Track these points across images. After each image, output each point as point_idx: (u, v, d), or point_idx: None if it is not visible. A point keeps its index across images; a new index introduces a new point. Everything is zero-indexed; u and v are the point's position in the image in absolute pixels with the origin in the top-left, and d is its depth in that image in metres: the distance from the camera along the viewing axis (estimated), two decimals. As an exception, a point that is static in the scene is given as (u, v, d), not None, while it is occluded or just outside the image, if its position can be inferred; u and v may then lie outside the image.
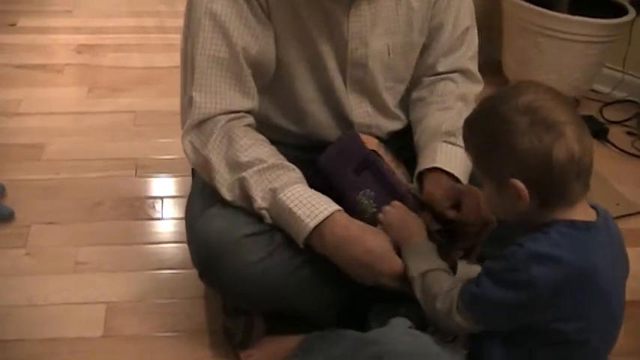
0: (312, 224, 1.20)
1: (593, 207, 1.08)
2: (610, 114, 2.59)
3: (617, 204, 2.03)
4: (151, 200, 1.92)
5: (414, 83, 1.51)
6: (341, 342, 1.22)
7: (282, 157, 1.30)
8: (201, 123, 1.30)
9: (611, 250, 1.06)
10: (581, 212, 1.04)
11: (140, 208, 1.88)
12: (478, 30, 1.53)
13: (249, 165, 1.26)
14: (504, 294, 1.01)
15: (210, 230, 1.26)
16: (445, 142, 1.36)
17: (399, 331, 1.16)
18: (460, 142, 1.23)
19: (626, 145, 2.40)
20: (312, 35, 1.33)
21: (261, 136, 1.32)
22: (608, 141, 2.41)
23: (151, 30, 3.05)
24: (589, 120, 2.48)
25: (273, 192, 1.24)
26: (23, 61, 2.77)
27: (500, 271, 1.02)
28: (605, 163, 2.25)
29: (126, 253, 1.70)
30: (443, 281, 1.12)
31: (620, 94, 2.71)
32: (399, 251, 1.20)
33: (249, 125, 1.32)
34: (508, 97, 1.02)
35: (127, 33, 3.09)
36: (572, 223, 1.02)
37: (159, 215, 1.86)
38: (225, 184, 1.28)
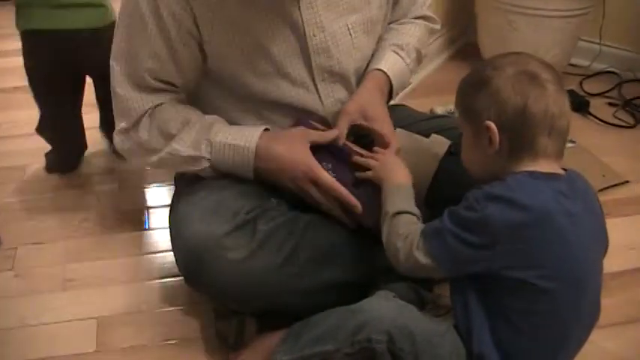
0: (252, 145, 1.32)
1: (564, 169, 1.12)
2: (590, 87, 2.58)
3: (603, 175, 2.03)
4: (136, 211, 1.91)
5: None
6: (325, 319, 1.23)
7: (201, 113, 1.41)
8: (128, 129, 1.41)
9: (572, 201, 1.08)
10: (546, 168, 1.09)
11: (126, 221, 1.87)
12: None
13: (179, 130, 1.36)
14: (461, 234, 1.06)
15: (190, 234, 1.27)
16: (393, 51, 1.49)
17: (382, 299, 1.19)
18: (405, 56, 1.48)
19: (608, 117, 2.39)
20: (264, 42, 1.33)
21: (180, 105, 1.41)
22: (590, 113, 2.40)
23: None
24: (570, 94, 2.45)
25: (208, 141, 1.34)
26: (0, 85, 2.75)
27: (459, 210, 1.08)
28: (588, 135, 2.25)
29: (114, 267, 1.70)
30: (412, 224, 1.17)
31: (599, 66, 2.71)
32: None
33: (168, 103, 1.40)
34: (504, 55, 1.15)
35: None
36: (531, 173, 1.08)
37: (145, 226, 1.86)
38: (156, 156, 1.39)
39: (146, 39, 1.32)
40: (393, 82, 1.48)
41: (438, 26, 1.65)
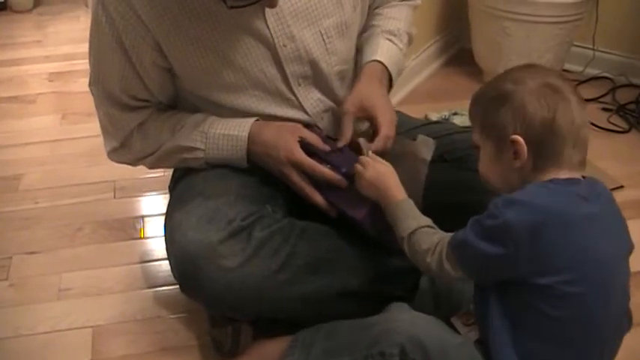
0: (245, 134, 1.35)
1: (584, 177, 1.11)
2: (584, 92, 2.57)
3: (598, 180, 2.03)
4: (131, 220, 1.91)
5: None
6: (338, 331, 1.22)
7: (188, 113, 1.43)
8: (119, 148, 1.46)
9: (592, 203, 1.07)
10: (567, 175, 1.08)
11: (121, 230, 1.87)
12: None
13: (172, 133, 1.40)
14: (485, 245, 1.04)
15: (185, 242, 1.26)
16: (386, 38, 1.48)
17: (396, 311, 1.18)
18: (398, 42, 1.47)
19: (602, 122, 2.41)
20: (234, 59, 1.32)
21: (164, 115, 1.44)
22: (585, 119, 2.41)
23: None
24: (564, 100, 2.49)
25: (204, 133, 1.37)
26: (-5, 95, 2.76)
27: (482, 219, 1.06)
28: (582, 141, 2.25)
29: (109, 276, 1.69)
30: (431, 235, 1.15)
31: (592, 72, 2.72)
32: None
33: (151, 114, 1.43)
34: (519, 68, 1.14)
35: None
36: (550, 180, 1.07)
37: (140, 235, 1.86)
38: (153, 156, 1.44)
39: (115, 65, 1.34)
40: (391, 70, 1.46)
41: (419, 1, 1.63)
